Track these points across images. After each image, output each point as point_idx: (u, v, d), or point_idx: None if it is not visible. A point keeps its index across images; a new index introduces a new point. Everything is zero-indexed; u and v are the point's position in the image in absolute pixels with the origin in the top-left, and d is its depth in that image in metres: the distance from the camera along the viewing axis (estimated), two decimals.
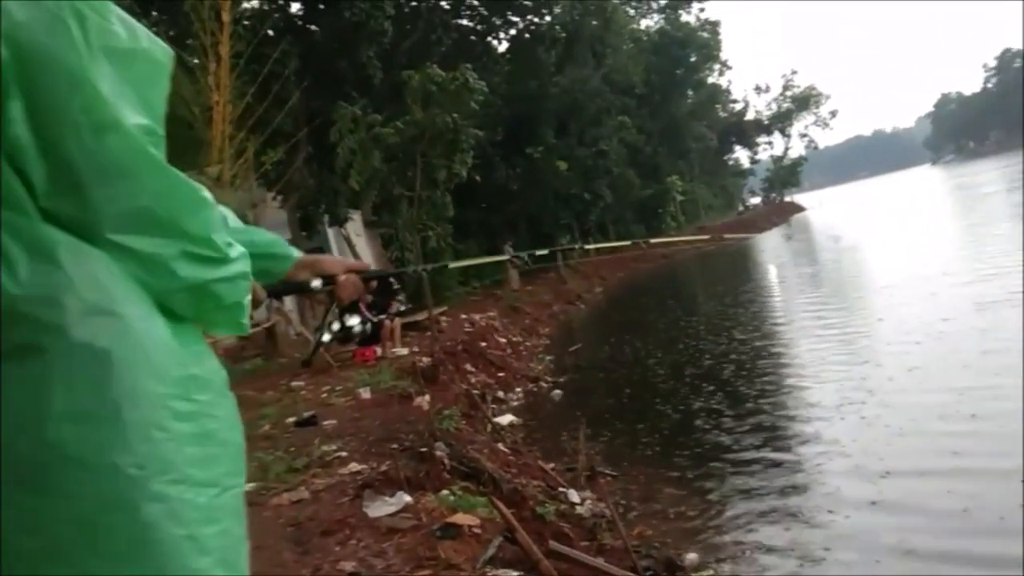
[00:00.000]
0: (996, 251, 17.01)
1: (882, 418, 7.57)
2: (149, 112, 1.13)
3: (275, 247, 1.62)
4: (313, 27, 21.28)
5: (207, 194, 1.17)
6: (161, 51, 1.18)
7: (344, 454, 6.24)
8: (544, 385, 12.82)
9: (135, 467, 1.03)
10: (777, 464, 7.07)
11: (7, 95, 0.98)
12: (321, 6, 20.57)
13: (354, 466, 5.81)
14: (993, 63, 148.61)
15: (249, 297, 1.30)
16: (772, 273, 23.65)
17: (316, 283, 1.69)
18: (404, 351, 12.24)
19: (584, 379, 13.16)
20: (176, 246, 1.12)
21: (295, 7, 21.69)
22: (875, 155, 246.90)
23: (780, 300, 19.03)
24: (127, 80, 1.09)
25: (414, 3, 26.67)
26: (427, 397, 8.60)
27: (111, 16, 1.08)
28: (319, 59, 19.81)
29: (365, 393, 8.73)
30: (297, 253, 1.68)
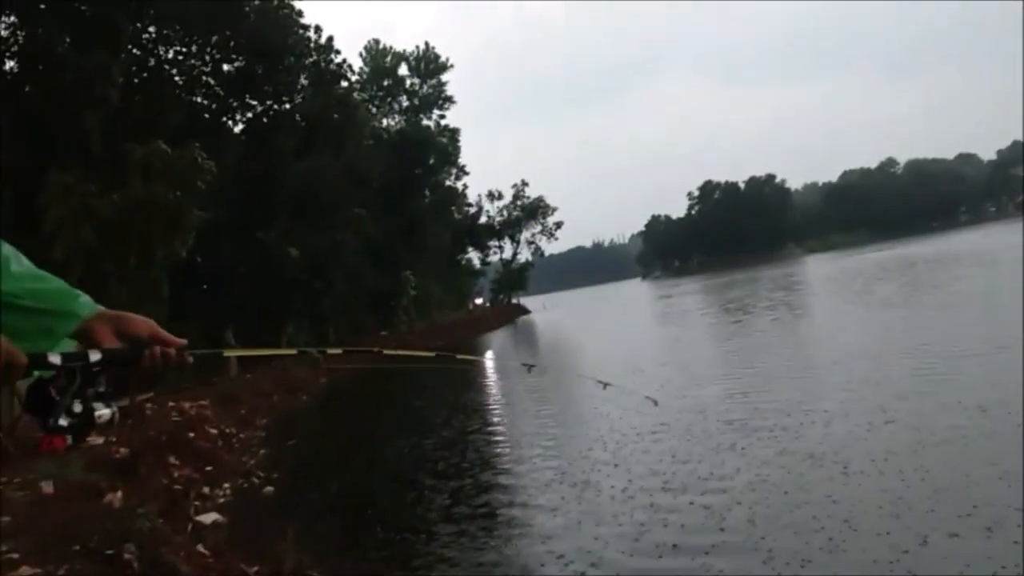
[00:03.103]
0: (698, 368, 18.96)
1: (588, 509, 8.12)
2: None
3: (64, 301, 1.34)
4: (28, 87, 19.75)
5: None
6: None
7: (16, 556, 5.62)
8: (256, 480, 12.34)
9: None
10: (483, 547, 7.37)
11: None
12: (40, 67, 19.18)
13: (26, 570, 5.26)
14: (696, 192, 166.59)
15: None
16: (490, 367, 24.61)
17: (95, 356, 1.29)
18: (100, 440, 11.27)
19: (300, 474, 12.82)
20: None
21: (8, 64, 20.07)
22: (594, 265, 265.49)
23: (496, 396, 19.79)
24: None
25: (145, 75, 25.61)
26: (119, 493, 7.98)
27: None
28: (33, 120, 18.37)
29: (48, 487, 7.92)
30: (93, 307, 1.37)
